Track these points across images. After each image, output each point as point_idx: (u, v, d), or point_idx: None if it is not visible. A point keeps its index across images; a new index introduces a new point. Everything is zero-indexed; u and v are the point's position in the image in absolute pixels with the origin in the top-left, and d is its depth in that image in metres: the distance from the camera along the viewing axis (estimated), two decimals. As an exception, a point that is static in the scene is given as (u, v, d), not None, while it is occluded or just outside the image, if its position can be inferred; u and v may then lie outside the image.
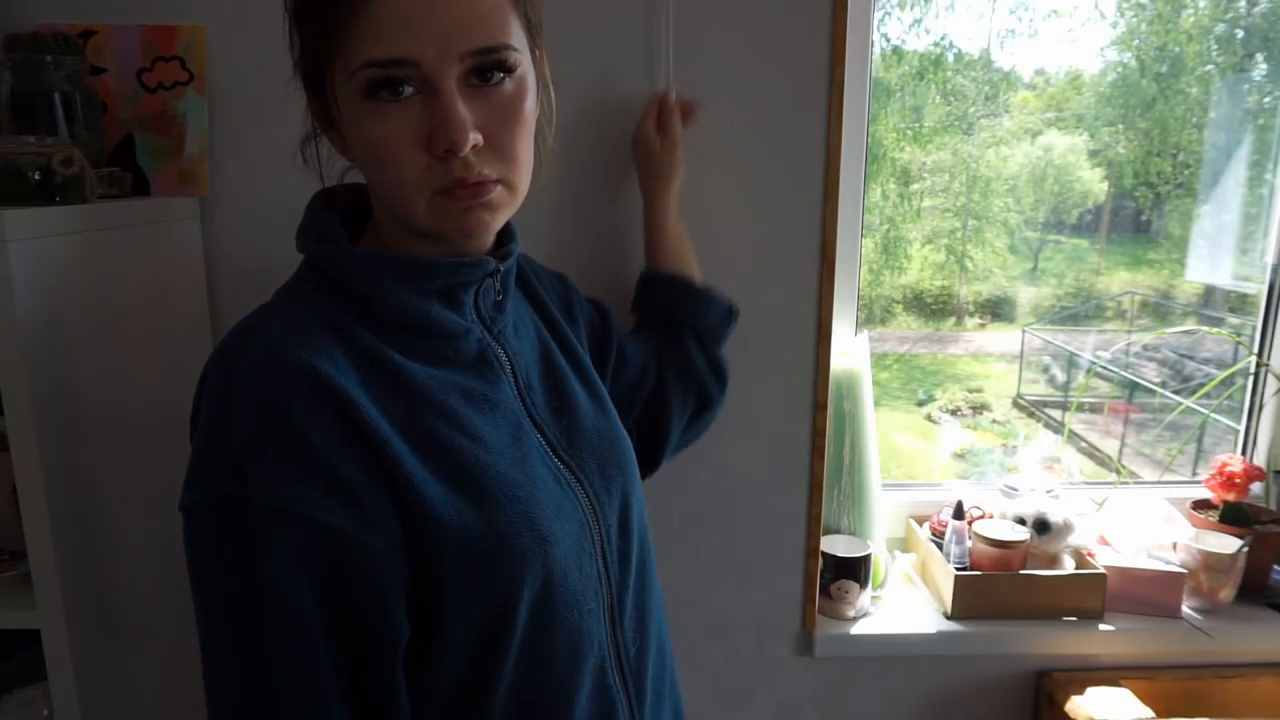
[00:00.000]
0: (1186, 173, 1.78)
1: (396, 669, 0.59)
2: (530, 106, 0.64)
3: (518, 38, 0.62)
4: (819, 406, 1.20)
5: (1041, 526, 1.29)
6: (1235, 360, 1.51)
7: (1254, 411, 1.48)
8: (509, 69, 0.61)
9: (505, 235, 0.73)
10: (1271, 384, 1.44)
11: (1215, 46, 1.67)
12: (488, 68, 0.60)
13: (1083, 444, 2.02)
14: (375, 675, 0.59)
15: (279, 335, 0.60)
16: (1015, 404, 3.24)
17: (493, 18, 0.60)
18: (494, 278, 0.69)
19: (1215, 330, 1.76)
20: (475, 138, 0.60)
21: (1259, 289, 1.47)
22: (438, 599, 0.60)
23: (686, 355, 1.00)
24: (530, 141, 0.65)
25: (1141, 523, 1.34)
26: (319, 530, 0.56)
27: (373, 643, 0.58)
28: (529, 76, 0.64)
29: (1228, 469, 1.36)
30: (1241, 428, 1.50)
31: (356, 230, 0.70)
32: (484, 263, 0.67)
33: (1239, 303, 1.69)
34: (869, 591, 1.28)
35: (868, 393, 1.30)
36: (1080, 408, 2.55)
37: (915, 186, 1.90)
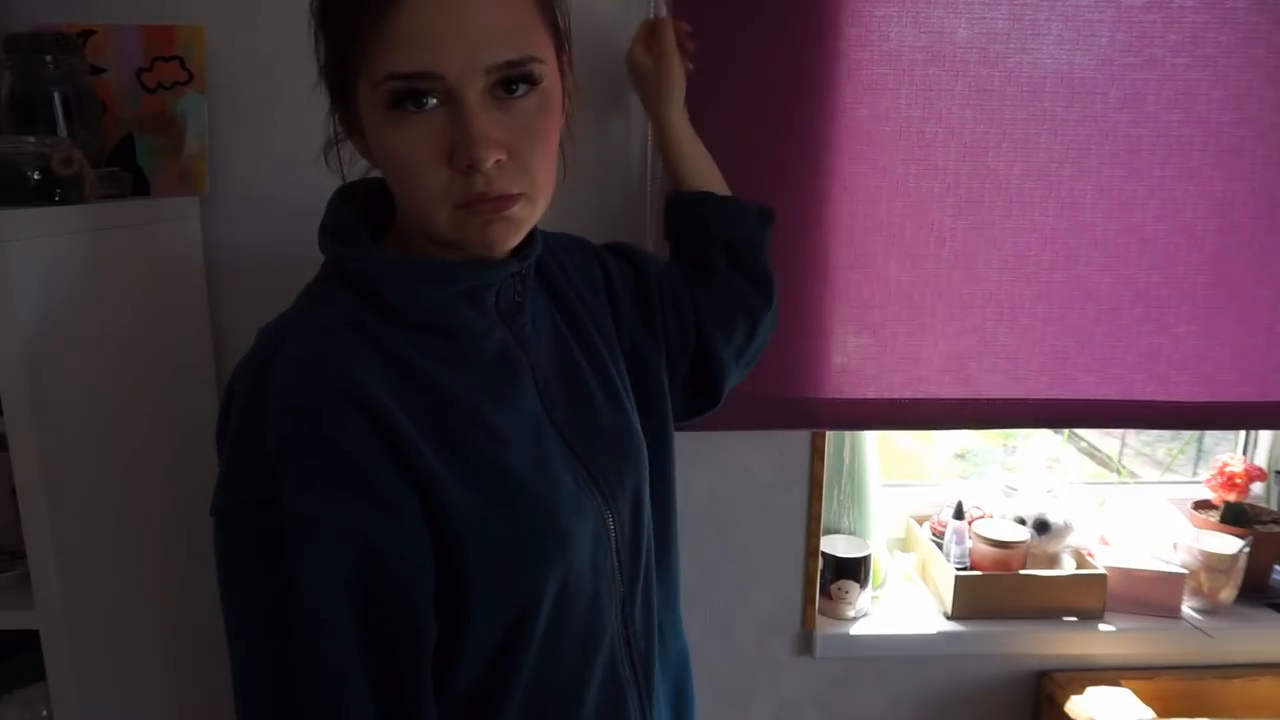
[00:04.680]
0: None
1: (425, 670, 0.60)
2: (554, 118, 0.63)
3: (543, 47, 0.62)
4: (819, 406, 1.20)
5: (1041, 526, 1.29)
6: (1236, 360, 1.51)
7: (1254, 411, 1.48)
8: (534, 81, 0.61)
9: (527, 235, 0.71)
10: (1272, 384, 1.44)
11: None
12: (513, 80, 0.59)
13: (1083, 444, 2.02)
14: (404, 677, 0.59)
15: (308, 342, 0.60)
16: (1016, 404, 3.23)
17: (519, 29, 0.59)
18: (515, 278, 0.69)
19: (1216, 330, 1.75)
20: (498, 153, 0.59)
21: (1260, 289, 1.46)
22: (463, 600, 0.61)
23: (722, 282, 0.94)
24: (554, 153, 0.65)
25: (1142, 523, 1.34)
26: (351, 536, 0.56)
27: (402, 645, 0.59)
28: (554, 86, 0.63)
29: (1228, 469, 1.36)
30: (1242, 428, 1.50)
31: (378, 227, 0.70)
32: (506, 265, 0.67)
33: (1240, 302, 1.68)
34: (869, 591, 1.28)
35: (868, 393, 1.30)
36: (1081, 407, 2.54)
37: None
